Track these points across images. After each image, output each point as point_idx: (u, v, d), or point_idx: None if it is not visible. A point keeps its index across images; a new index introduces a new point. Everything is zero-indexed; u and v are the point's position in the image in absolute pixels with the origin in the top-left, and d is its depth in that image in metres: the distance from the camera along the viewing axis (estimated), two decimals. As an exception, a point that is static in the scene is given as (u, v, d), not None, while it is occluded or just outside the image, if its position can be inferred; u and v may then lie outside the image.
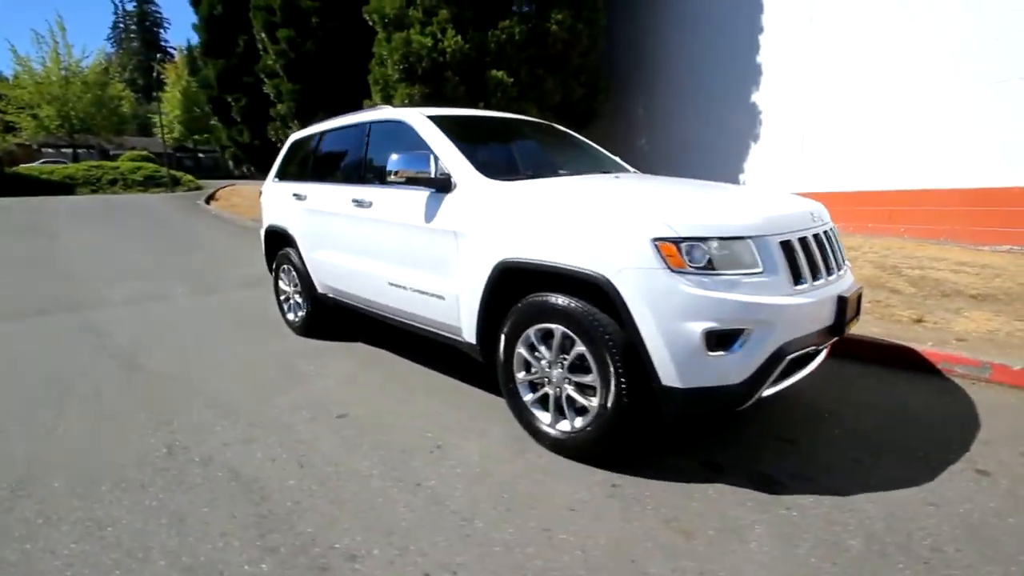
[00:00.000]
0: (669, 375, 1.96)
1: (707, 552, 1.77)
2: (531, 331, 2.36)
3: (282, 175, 4.50)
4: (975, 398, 2.89)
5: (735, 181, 8.13)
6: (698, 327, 1.91)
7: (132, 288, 6.32)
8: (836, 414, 2.75)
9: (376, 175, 3.33)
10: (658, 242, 1.95)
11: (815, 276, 2.18)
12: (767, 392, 2.04)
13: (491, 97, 7.70)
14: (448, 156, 2.78)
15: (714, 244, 1.95)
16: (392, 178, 2.77)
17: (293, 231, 4.10)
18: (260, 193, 4.84)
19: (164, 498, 2.15)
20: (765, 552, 1.76)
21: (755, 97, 7.90)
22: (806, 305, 2.05)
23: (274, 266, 4.54)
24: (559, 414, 2.36)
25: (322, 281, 3.92)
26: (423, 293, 2.92)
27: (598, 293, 2.11)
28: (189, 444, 2.59)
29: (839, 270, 2.35)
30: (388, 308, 3.27)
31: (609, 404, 2.11)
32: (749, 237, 1.99)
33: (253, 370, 3.61)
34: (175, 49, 41.35)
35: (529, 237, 2.30)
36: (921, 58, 6.04)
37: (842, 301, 2.18)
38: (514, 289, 2.44)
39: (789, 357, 2.01)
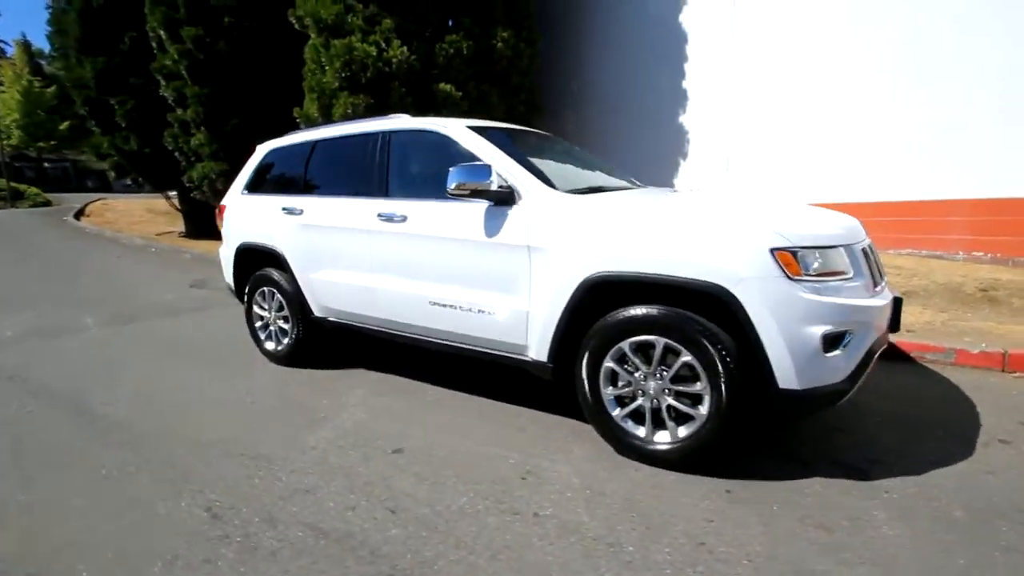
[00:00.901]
0: (788, 378, 2.06)
1: (853, 542, 1.87)
2: (624, 344, 2.34)
3: (255, 187, 4.02)
4: (953, 380, 3.39)
5: (668, 196, 8.76)
6: (818, 330, 2.03)
7: (25, 321, 5.24)
8: (857, 401, 3.06)
9: (405, 187, 3.12)
10: (776, 251, 2.05)
11: (879, 280, 2.43)
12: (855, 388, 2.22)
13: (439, 110, 7.56)
14: (509, 168, 2.68)
15: (819, 252, 2.10)
16: (453, 191, 2.60)
17: (282, 249, 3.67)
18: (221, 207, 4.28)
19: (248, 571, 1.79)
20: (899, 533, 1.90)
21: (682, 118, 8.62)
22: (884, 306, 2.27)
23: (247, 289, 4.01)
24: (656, 426, 2.36)
25: (323, 303, 3.55)
26: (479, 312, 2.77)
27: (708, 303, 2.17)
28: (235, 503, 2.19)
29: (883, 276, 2.64)
30: (426, 330, 3.04)
31: (718, 411, 2.16)
32: (842, 245, 2.17)
33: (252, 408, 3.15)
34: (8, 43, 35.19)
35: (630, 251, 2.28)
36: (831, 83, 7.00)
37: (897, 302, 2.45)
38: (600, 304, 2.41)
39: (876, 354, 2.21)
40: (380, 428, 2.86)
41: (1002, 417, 2.82)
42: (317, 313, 3.62)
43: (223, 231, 4.29)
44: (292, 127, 9.28)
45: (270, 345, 3.99)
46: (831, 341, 2.05)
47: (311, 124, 7.92)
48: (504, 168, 2.67)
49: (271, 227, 3.74)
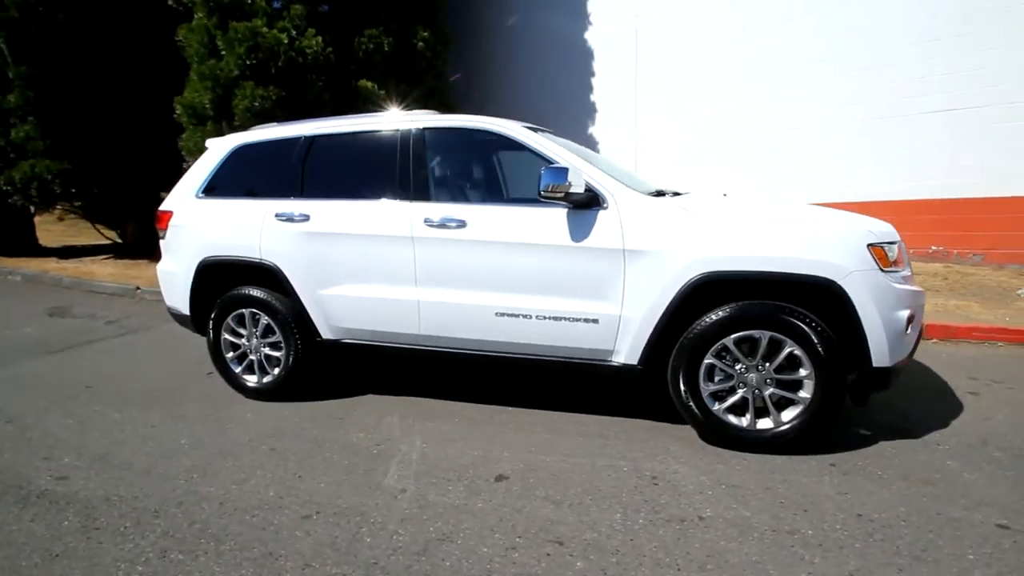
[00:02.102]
0: (881, 357, 2.33)
1: (954, 490, 2.18)
2: (728, 340, 2.44)
3: (218, 190, 3.31)
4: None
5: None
6: (904, 314, 2.35)
7: None
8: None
9: (452, 190, 2.85)
10: (871, 247, 2.33)
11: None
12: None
13: (359, 107, 7.00)
14: (590, 171, 2.60)
15: (894, 247, 2.43)
16: (546, 194, 2.44)
17: (278, 262, 3.07)
18: (164, 214, 3.44)
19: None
20: (976, 478, 2.28)
21: (592, 129, 9.16)
22: (921, 291, 2.72)
23: (213, 315, 3.28)
24: (757, 415, 2.49)
25: (338, 323, 3.06)
26: (562, 319, 2.64)
27: (809, 296, 2.36)
28: (366, 574, 1.79)
29: None
30: (487, 343, 2.80)
31: (821, 394, 2.37)
32: (898, 241, 2.53)
33: (278, 456, 2.61)
34: None
35: (743, 250, 2.38)
36: (722, 96, 8.00)
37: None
38: (700, 303, 2.48)
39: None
40: (455, 456, 2.57)
41: (956, 376, 3.53)
42: (327, 335, 3.11)
43: (167, 243, 3.46)
44: (163, 118, 7.85)
45: (251, 379, 3.32)
46: (908, 322, 2.40)
47: (200, 116, 6.78)
48: (586, 171, 2.60)
49: (257, 236, 3.11)
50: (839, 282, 2.29)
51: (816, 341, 2.33)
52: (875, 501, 2.13)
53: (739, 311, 2.42)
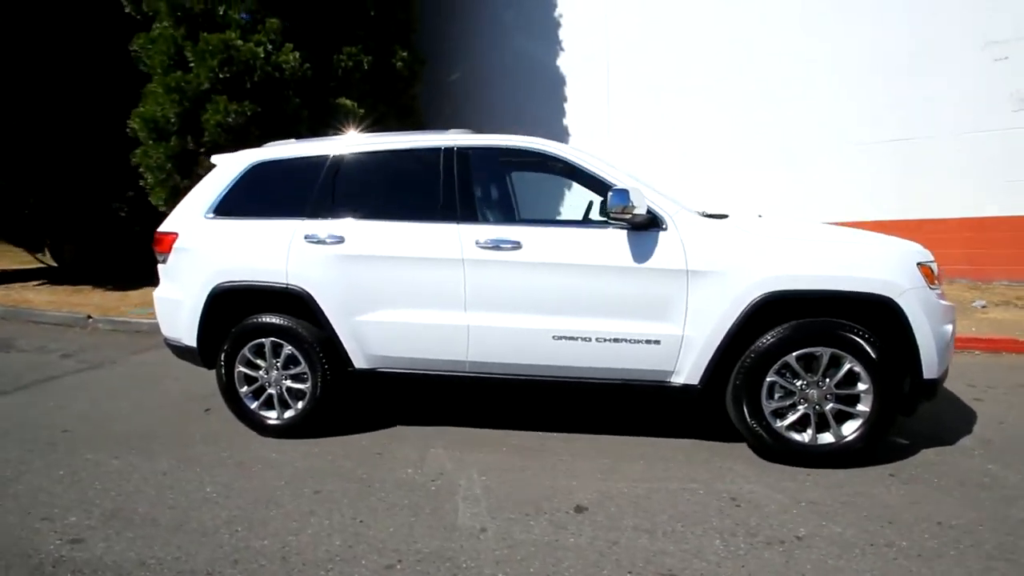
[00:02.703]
0: (931, 369, 2.46)
1: (1013, 491, 2.31)
2: (789, 357, 2.49)
3: (233, 209, 3.05)
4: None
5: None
6: (949, 327, 2.50)
7: None
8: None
9: (501, 211, 2.77)
10: (920, 265, 2.47)
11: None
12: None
13: (338, 125, 6.76)
14: (650, 192, 2.61)
15: (934, 265, 2.58)
16: (614, 216, 2.42)
17: (308, 287, 2.84)
18: (166, 236, 3.11)
19: None
20: (1021, 478, 2.44)
21: (564, 151, 9.32)
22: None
23: (228, 346, 2.98)
24: (818, 429, 2.55)
25: (375, 351, 2.86)
26: (623, 340, 2.60)
27: (864, 313, 2.47)
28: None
29: None
30: (542, 368, 2.71)
31: (880, 407, 2.46)
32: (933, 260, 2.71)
33: (324, 499, 2.37)
34: None
35: (805, 270, 2.45)
36: (694, 122, 8.37)
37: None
38: (760, 323, 2.52)
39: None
40: (522, 488, 2.44)
41: (954, 383, 3.78)
42: (361, 364, 2.90)
43: (168, 268, 3.13)
44: (111, 132, 7.22)
45: (270, 415, 3.03)
46: (952, 335, 2.55)
47: (162, 130, 6.31)
48: (646, 192, 2.61)
49: (283, 260, 2.87)
50: (896, 299, 2.41)
51: (875, 356, 2.43)
52: (946, 508, 2.22)
53: (800, 329, 2.48)
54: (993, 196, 6.06)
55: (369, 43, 7.19)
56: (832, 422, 2.54)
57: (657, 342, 2.60)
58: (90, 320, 5.90)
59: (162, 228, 3.18)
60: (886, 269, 2.45)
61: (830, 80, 7.16)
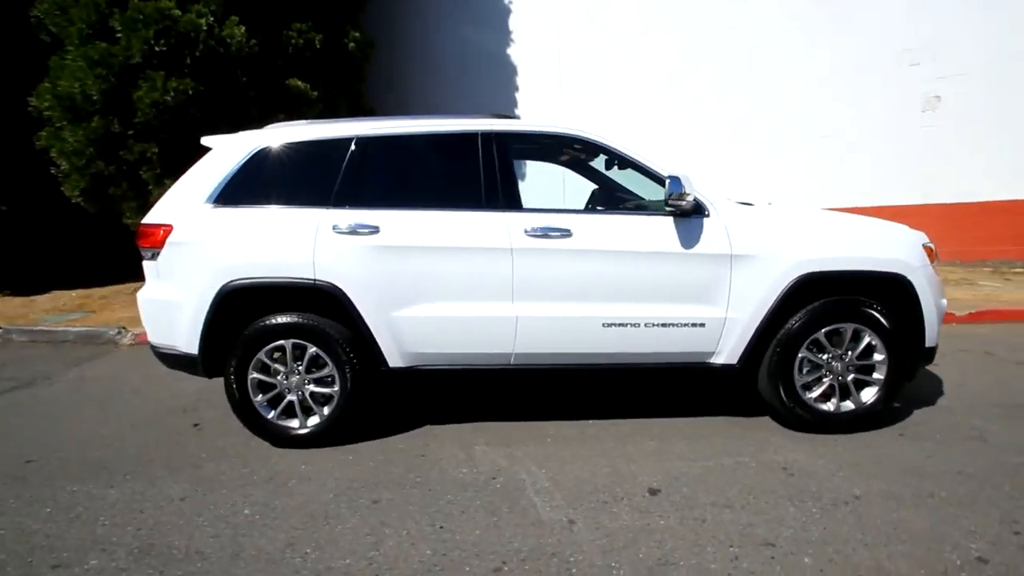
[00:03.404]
0: (932, 338, 2.77)
1: (1004, 441, 2.67)
2: (820, 334, 2.70)
3: (241, 197, 2.72)
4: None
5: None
6: (944, 301, 2.83)
7: None
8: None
9: (540, 198, 2.69)
10: (924, 247, 2.76)
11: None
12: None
13: (290, 109, 6.26)
14: (688, 180, 2.68)
15: (932, 246, 2.90)
16: (672, 203, 2.47)
17: (342, 282, 2.61)
18: (156, 229, 2.71)
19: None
20: (1006, 426, 2.81)
21: (516, 142, 9.30)
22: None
23: (238, 351, 2.67)
24: (841, 399, 2.79)
25: (414, 348, 2.70)
26: (670, 325, 2.67)
27: (886, 290, 2.72)
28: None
29: None
30: (590, 356, 2.72)
31: (893, 374, 2.74)
32: (925, 240, 3.04)
33: (388, 509, 2.24)
34: None
35: (836, 253, 2.67)
36: (647, 112, 8.66)
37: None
38: (793, 303, 2.70)
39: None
40: (588, 477, 2.44)
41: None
42: (397, 363, 2.73)
43: (160, 265, 2.73)
44: (15, 110, 6.13)
45: (291, 424, 2.77)
46: (944, 309, 2.89)
47: (79, 109, 5.48)
48: (686, 180, 2.67)
49: (309, 253, 2.61)
50: (908, 276, 2.69)
51: (890, 329, 2.70)
52: (958, 459, 2.52)
53: (828, 306, 2.69)
54: (913, 186, 6.91)
55: (319, 20, 6.70)
56: (853, 390, 2.79)
57: (702, 325, 2.71)
58: (0, 331, 5.02)
59: (150, 219, 2.78)
60: (900, 250, 2.73)
61: (775, 78, 7.67)
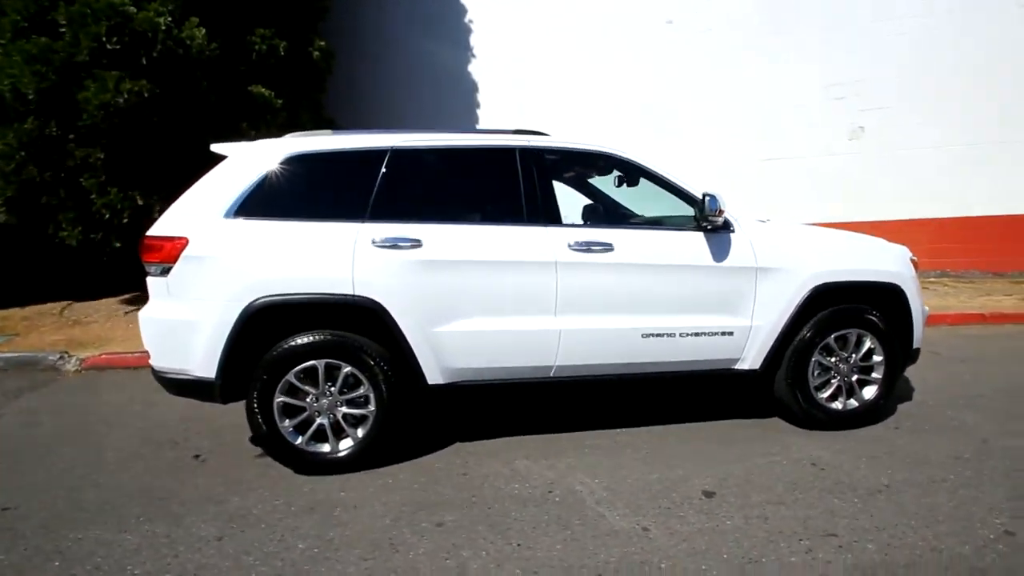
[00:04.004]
0: (918, 340, 3.11)
1: (983, 429, 3.02)
2: (831, 339, 2.94)
3: (261, 209, 2.54)
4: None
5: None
6: (926, 308, 3.18)
7: None
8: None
9: (581, 214, 2.75)
10: (911, 259, 3.09)
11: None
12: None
13: (255, 119, 5.92)
14: (721, 198, 2.84)
15: (915, 259, 3.25)
16: (713, 218, 2.62)
17: (383, 298, 2.49)
18: (167, 242, 2.45)
19: None
20: (981, 416, 3.16)
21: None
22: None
23: (263, 374, 2.46)
24: (846, 397, 3.04)
25: (455, 363, 2.63)
26: (702, 335, 2.80)
27: (882, 298, 3.01)
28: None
29: None
30: (627, 365, 2.78)
31: (890, 374, 3.03)
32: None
33: (454, 532, 2.16)
34: None
35: (845, 265, 2.94)
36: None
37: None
38: (810, 311, 2.92)
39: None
40: (642, 484, 2.48)
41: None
42: (437, 380, 2.64)
43: (172, 282, 2.48)
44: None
45: (322, 448, 2.59)
46: (926, 314, 3.25)
47: (10, 109, 4.88)
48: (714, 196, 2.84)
49: (348, 267, 2.47)
50: (902, 286, 3.01)
51: (887, 333, 3.00)
52: (951, 446, 2.82)
53: (838, 314, 2.94)
54: (840, 205, 7.69)
55: (282, 26, 6.42)
56: (857, 389, 3.05)
57: (731, 333, 2.86)
58: (-92, 361, 4.28)
59: (160, 232, 2.52)
60: (894, 262, 3.05)
61: (726, 105, 8.23)
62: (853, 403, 3.06)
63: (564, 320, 2.71)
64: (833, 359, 3.01)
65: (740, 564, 1.92)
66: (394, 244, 2.56)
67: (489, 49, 8.99)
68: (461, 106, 9.11)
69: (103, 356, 4.69)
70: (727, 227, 2.86)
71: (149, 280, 2.57)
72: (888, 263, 3.04)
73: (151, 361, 2.61)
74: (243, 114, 5.85)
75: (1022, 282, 6.98)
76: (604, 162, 2.95)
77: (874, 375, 3.06)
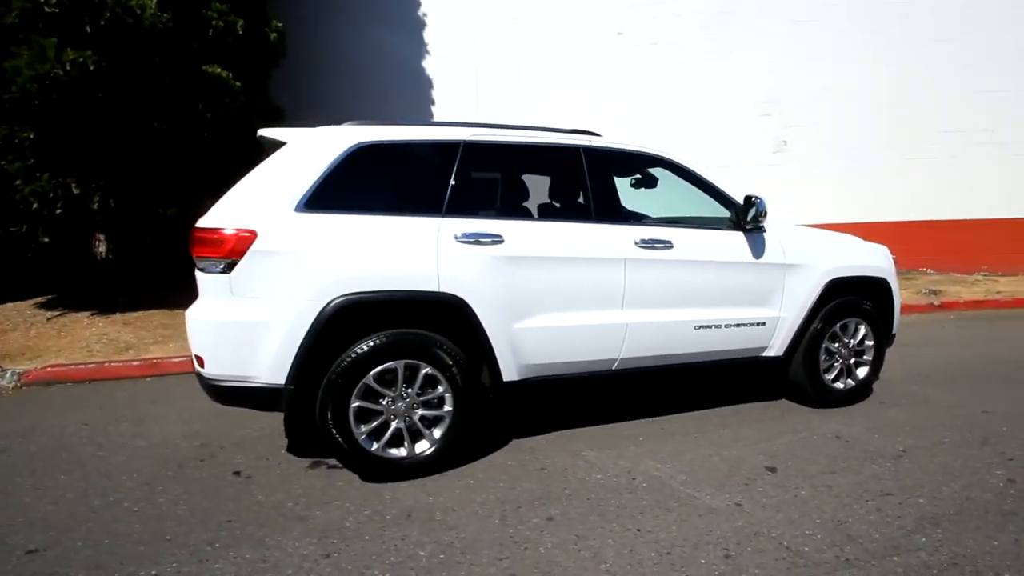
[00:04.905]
0: (896, 326, 3.62)
1: (961, 403, 3.60)
2: (836, 327, 3.34)
3: (340, 203, 2.37)
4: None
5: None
6: (901, 299, 3.71)
7: None
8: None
9: (636, 212, 2.87)
10: (892, 257, 3.59)
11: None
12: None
13: (211, 101, 5.37)
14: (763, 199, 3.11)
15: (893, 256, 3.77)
16: (761, 220, 2.85)
17: (466, 294, 2.42)
18: (231, 236, 2.19)
19: None
20: (957, 396, 3.74)
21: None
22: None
23: (337, 379, 2.30)
24: (845, 378, 3.47)
25: (531, 359, 2.64)
26: (741, 325, 3.05)
27: (872, 290, 3.46)
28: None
29: None
30: (680, 356, 2.97)
31: (878, 353, 3.51)
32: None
33: (572, 526, 2.21)
34: None
35: (850, 262, 3.34)
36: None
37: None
38: (823, 303, 3.29)
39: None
40: (710, 467, 2.67)
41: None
42: (512, 376, 2.63)
43: (237, 280, 2.24)
44: None
45: (397, 453, 2.47)
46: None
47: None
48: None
49: (433, 263, 2.38)
50: (888, 280, 3.50)
51: (876, 320, 3.47)
52: (932, 417, 3.32)
53: (841, 305, 3.34)
54: (774, 210, 8.59)
55: (236, 3, 5.86)
56: (853, 371, 3.51)
57: (763, 324, 3.16)
58: None
59: (219, 224, 2.25)
60: (882, 259, 3.53)
61: (670, 114, 8.78)
62: (851, 383, 3.50)
63: (630, 314, 2.83)
64: (836, 345, 3.42)
65: (833, 526, 2.16)
66: (476, 240, 2.51)
67: (444, 40, 8.86)
68: (413, 100, 8.87)
69: (48, 369, 4.01)
70: (761, 228, 3.15)
71: (202, 277, 2.29)
72: (878, 260, 3.53)
73: (204, 368, 2.33)
74: (198, 96, 5.27)
75: (914, 278, 8.26)
76: (656, 164, 3.11)
77: (866, 357, 3.53)
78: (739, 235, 3.09)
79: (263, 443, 2.97)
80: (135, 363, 4.14)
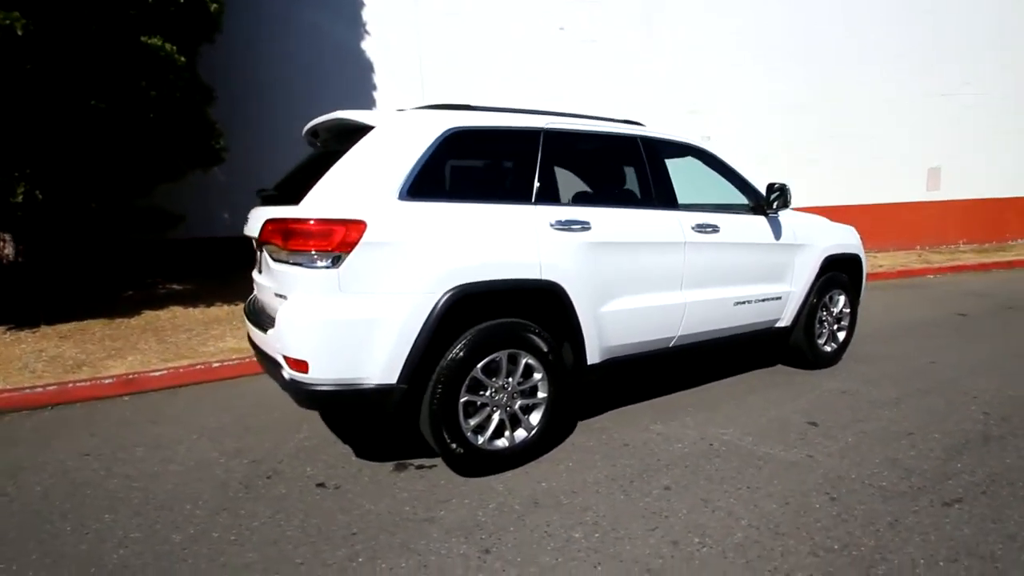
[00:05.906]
0: (862, 295, 4.24)
1: (911, 366, 4.30)
2: (826, 299, 3.84)
3: (439, 191, 2.29)
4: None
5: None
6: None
7: None
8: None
9: (685, 198, 3.07)
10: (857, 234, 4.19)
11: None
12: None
13: (154, 77, 4.68)
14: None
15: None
16: (788, 204, 3.16)
17: (562, 280, 2.44)
18: (342, 225, 2.00)
19: None
20: (892, 347, 4.48)
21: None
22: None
23: (446, 372, 2.22)
24: (831, 342, 3.99)
25: (611, 342, 2.74)
26: (765, 300, 3.41)
27: (849, 264, 4.01)
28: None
29: None
30: (721, 331, 3.25)
31: (851, 325, 4.09)
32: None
33: (690, 492, 2.39)
34: None
35: (838, 242, 3.81)
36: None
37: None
38: (818, 277, 3.76)
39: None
40: (761, 428, 2.97)
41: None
42: (594, 359, 2.70)
43: (347, 273, 2.07)
44: None
45: (500, 444, 2.44)
46: (861, 276, 4.43)
47: None
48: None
49: (535, 250, 2.37)
50: (860, 256, 4.07)
51: (852, 290, 4.05)
52: (901, 370, 3.92)
53: (830, 279, 3.85)
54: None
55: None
56: (836, 335, 4.06)
57: (779, 298, 3.55)
58: None
59: (321, 214, 2.04)
60: (854, 238, 4.10)
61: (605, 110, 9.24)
62: (834, 345, 4.06)
63: (688, 294, 3.04)
64: (824, 314, 3.95)
65: (891, 464, 2.55)
66: (567, 226, 2.55)
67: (384, 27, 8.45)
68: (354, 83, 8.38)
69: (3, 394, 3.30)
70: (776, 212, 3.53)
71: (307, 273, 2.08)
72: (853, 238, 4.11)
73: (306, 374, 2.11)
74: (139, 71, 4.56)
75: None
76: (689, 152, 3.34)
77: (843, 323, 4.11)
78: (762, 219, 3.44)
79: (324, 451, 2.76)
80: (106, 381, 3.55)
